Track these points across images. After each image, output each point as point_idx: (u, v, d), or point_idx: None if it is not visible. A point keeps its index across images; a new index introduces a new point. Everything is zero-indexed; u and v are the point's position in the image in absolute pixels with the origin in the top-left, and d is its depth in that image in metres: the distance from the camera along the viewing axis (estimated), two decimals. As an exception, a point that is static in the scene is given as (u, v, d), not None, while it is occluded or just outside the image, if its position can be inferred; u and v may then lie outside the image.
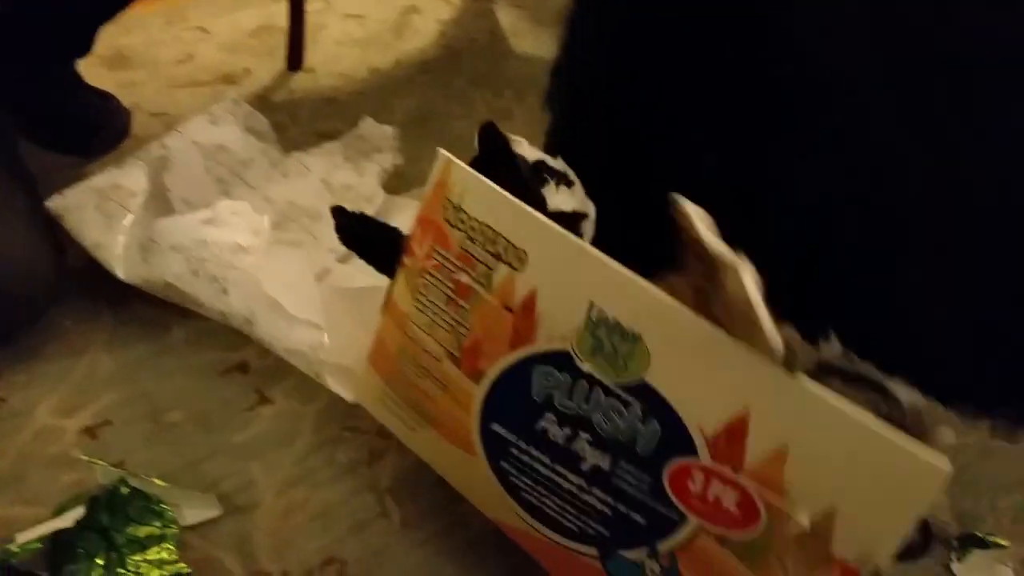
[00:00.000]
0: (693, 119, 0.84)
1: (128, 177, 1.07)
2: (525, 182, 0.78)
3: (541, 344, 0.72)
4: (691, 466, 0.66)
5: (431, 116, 1.56)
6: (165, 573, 0.81)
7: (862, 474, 0.60)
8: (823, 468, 0.61)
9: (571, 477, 0.74)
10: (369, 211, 1.19)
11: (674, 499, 0.68)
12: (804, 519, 0.62)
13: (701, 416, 0.66)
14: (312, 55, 1.70)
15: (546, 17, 1.86)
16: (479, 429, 0.78)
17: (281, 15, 1.67)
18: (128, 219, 1.04)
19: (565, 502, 0.75)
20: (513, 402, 0.74)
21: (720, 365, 0.64)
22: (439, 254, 0.77)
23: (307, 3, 1.66)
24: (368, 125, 1.34)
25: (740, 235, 0.73)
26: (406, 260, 0.80)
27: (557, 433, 0.73)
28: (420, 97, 1.61)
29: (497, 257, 0.73)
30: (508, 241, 0.72)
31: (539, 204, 0.76)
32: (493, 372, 0.75)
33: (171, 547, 0.83)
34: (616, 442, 0.70)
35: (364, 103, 1.55)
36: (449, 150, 1.45)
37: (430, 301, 0.78)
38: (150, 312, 1.08)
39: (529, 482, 0.76)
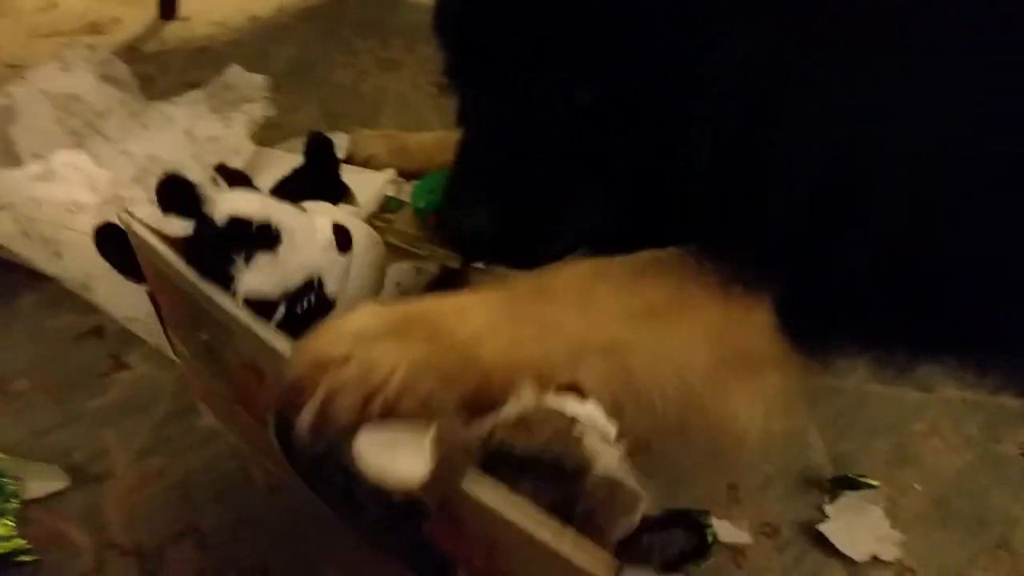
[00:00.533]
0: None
1: (-38, 130, 1.00)
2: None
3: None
4: None
5: (312, 66, 1.51)
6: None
7: None
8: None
9: None
10: (237, 164, 1.14)
11: None
12: None
13: None
14: (188, 3, 1.63)
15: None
16: None
17: (154, -36, 1.59)
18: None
19: None
20: None
21: None
22: None
23: (183, -51, 1.59)
24: (235, 73, 1.28)
25: None
26: None
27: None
28: (301, 46, 1.55)
29: None
30: None
31: None
32: None
33: (9, 522, 0.79)
34: None
35: (241, 52, 1.48)
36: (329, 101, 1.42)
37: None
38: (-4, 275, 1.02)
39: None
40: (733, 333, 0.69)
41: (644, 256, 0.69)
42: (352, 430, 0.52)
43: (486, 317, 0.61)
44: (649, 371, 0.62)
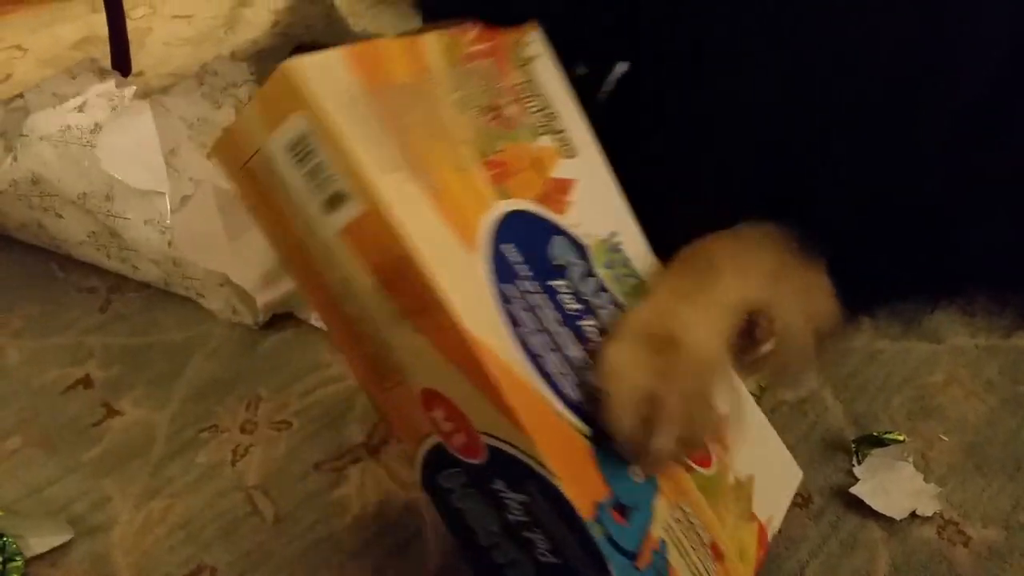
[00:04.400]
0: None
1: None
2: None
3: (568, 222, 0.68)
4: None
5: (273, 105, 1.49)
6: (9, 610, 0.73)
7: (770, 456, 0.77)
8: (750, 443, 0.74)
9: (576, 349, 0.65)
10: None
11: None
12: (738, 473, 0.71)
13: None
14: (141, 59, 1.62)
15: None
16: (491, 237, 0.63)
17: (103, 24, 1.58)
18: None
19: (567, 367, 0.64)
20: (531, 244, 0.65)
21: None
22: (492, 65, 0.69)
23: (131, 10, 1.58)
24: (220, 63, 1.29)
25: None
26: (450, 32, 0.69)
27: (570, 303, 0.66)
28: (257, 87, 1.54)
29: (550, 132, 0.70)
30: (566, 134, 0.71)
31: None
32: (516, 204, 0.66)
33: (14, 581, 0.75)
34: None
35: (200, 100, 1.47)
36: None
37: (469, 83, 0.67)
38: (-22, 336, 0.99)
39: (532, 325, 0.63)
40: (812, 296, 0.79)
41: (754, 231, 0.78)
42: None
43: (693, 320, 0.70)
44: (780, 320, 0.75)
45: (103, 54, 1.57)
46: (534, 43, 0.73)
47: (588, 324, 0.66)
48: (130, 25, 1.58)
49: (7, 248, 1.16)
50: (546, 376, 0.61)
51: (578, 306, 0.66)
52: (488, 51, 0.69)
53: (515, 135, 0.68)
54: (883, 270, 0.91)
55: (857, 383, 0.96)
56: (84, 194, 1.05)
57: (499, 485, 0.60)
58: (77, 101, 1.11)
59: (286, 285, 1.03)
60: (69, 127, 1.07)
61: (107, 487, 0.86)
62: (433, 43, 0.67)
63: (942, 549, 0.81)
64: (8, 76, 1.57)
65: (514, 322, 0.61)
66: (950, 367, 0.98)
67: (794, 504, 0.85)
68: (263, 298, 1.02)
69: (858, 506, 0.84)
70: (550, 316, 0.64)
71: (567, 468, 0.57)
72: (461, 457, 0.61)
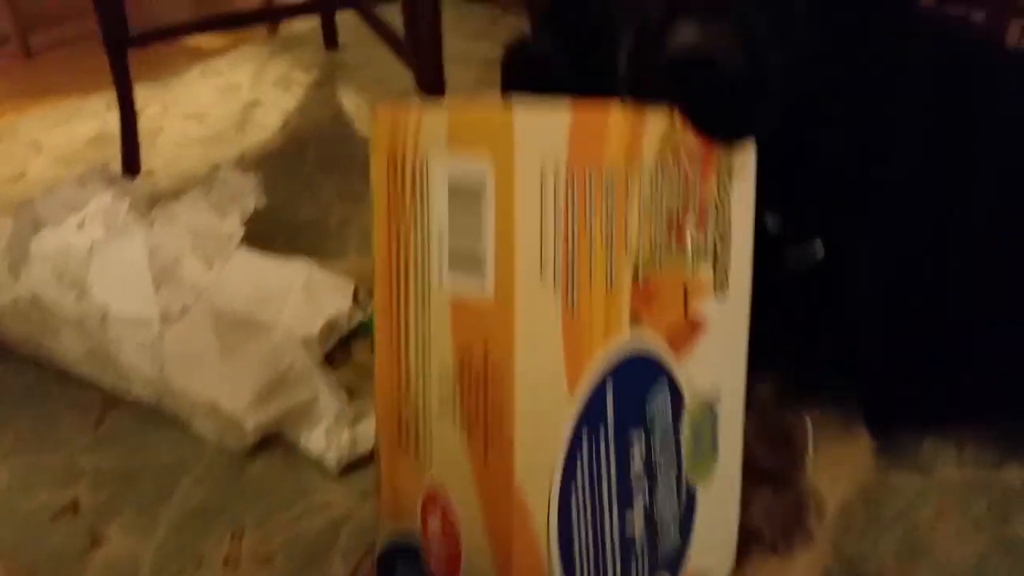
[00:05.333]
0: None
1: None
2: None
3: (680, 369, 0.63)
4: None
5: (278, 206, 1.50)
6: None
7: None
8: None
9: (613, 527, 0.60)
10: (230, 248, 1.20)
11: None
12: None
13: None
14: (151, 158, 1.65)
15: (389, 98, 1.83)
16: (599, 376, 0.58)
17: (117, 122, 1.61)
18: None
19: (593, 543, 0.59)
20: (632, 387, 0.59)
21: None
22: (696, 168, 0.62)
23: (143, 109, 1.61)
24: (227, 173, 1.34)
25: None
26: (671, 115, 0.60)
27: (637, 466, 0.60)
28: (265, 189, 1.55)
29: (714, 259, 0.64)
30: (728, 266, 0.65)
31: None
32: (638, 343, 0.60)
33: None
34: (654, 522, 0.63)
35: (207, 202, 1.49)
36: (296, 238, 1.41)
37: (667, 184, 0.60)
38: (-32, 458, 1.00)
39: (585, 487, 0.58)
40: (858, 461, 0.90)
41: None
42: None
43: None
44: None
45: (116, 151, 1.60)
46: (748, 155, 0.65)
47: (639, 502, 0.61)
48: (142, 125, 1.61)
49: (6, 362, 1.18)
50: (566, 552, 0.57)
51: (641, 471, 0.61)
52: (700, 148, 0.62)
53: (683, 258, 0.62)
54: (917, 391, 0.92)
55: (847, 520, 0.94)
56: (81, 317, 1.07)
57: None
58: (78, 218, 1.15)
59: (278, 405, 1.04)
60: (68, 248, 1.10)
61: (88, 622, 0.86)
62: (655, 126, 0.59)
63: None
64: (22, 175, 1.61)
65: (571, 473, 0.56)
66: (939, 501, 0.97)
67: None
68: (254, 418, 1.02)
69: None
70: (607, 484, 0.59)
71: None
72: (432, 569, 0.60)
